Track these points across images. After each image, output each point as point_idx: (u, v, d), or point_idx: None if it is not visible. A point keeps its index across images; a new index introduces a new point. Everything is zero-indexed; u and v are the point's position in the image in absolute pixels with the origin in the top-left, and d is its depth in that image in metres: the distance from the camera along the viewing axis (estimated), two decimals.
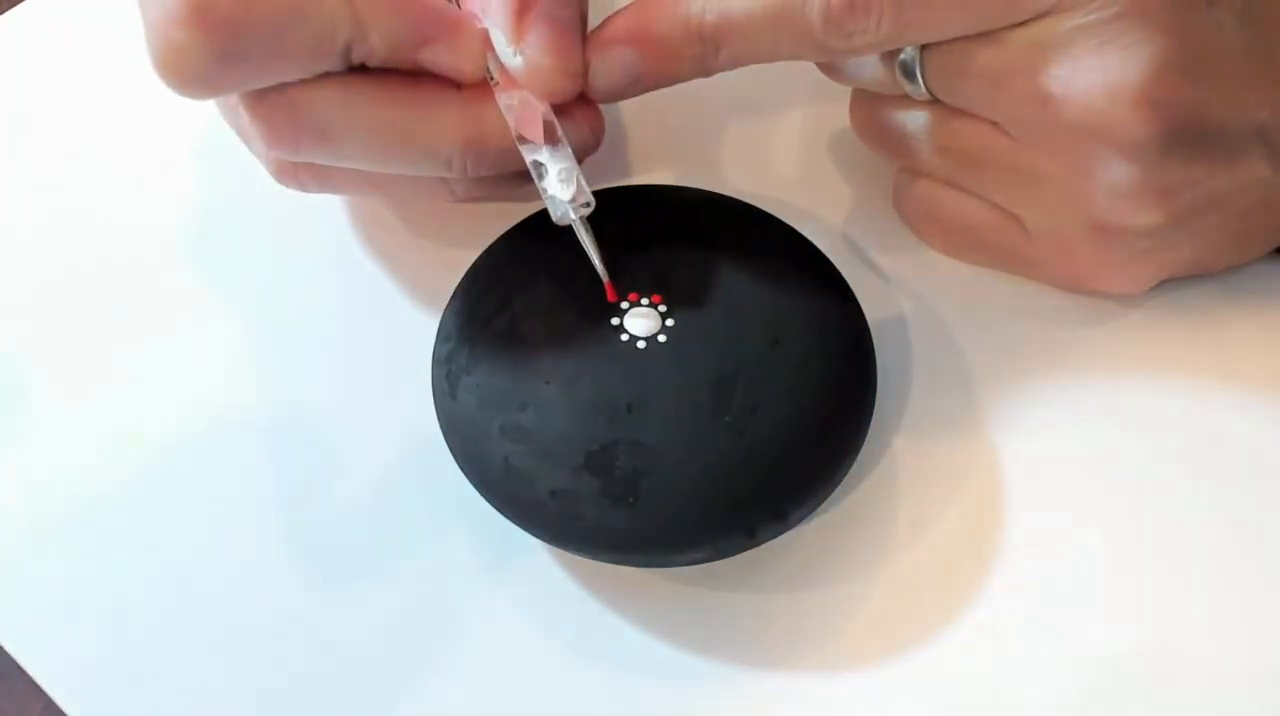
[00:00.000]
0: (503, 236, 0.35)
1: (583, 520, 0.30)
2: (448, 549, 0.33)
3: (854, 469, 0.32)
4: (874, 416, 0.33)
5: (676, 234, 0.34)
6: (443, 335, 0.33)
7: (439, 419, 0.32)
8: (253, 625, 0.32)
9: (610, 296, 0.32)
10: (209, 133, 0.40)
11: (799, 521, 0.31)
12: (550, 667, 0.32)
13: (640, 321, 0.32)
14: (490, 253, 0.34)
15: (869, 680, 0.31)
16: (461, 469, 0.32)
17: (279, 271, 0.38)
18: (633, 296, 0.33)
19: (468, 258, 0.34)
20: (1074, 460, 0.34)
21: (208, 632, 0.32)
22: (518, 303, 0.33)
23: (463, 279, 0.34)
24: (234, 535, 0.33)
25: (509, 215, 0.35)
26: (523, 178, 0.33)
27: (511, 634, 0.32)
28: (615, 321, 0.32)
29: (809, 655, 0.32)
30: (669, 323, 0.32)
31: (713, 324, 0.32)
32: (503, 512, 0.31)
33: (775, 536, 0.31)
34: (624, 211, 0.34)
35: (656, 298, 0.32)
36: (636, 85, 0.34)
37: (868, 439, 0.32)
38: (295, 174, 0.34)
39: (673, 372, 0.31)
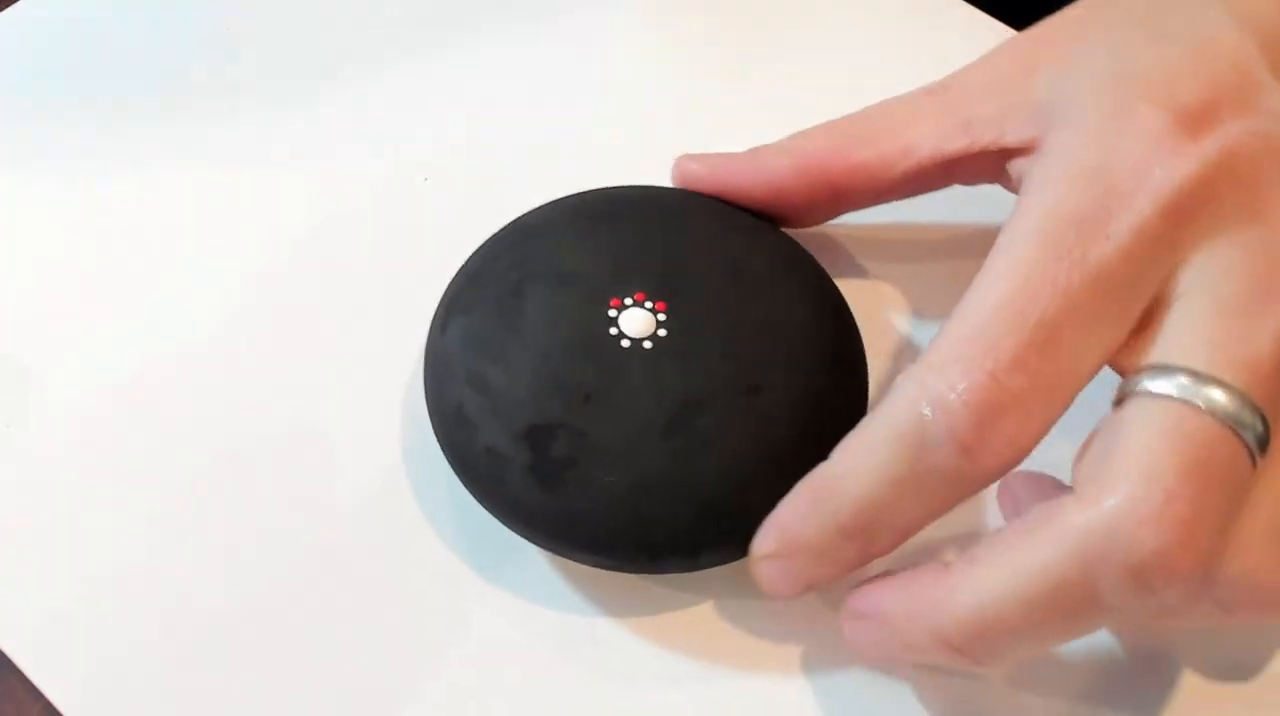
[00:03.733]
0: (538, 209, 0.35)
1: (505, 486, 0.31)
2: (441, 553, 0.33)
3: None
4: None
5: (677, 240, 0.34)
6: (457, 277, 0.34)
7: (425, 353, 0.33)
8: (250, 626, 0.32)
9: None
10: (210, 133, 0.40)
11: (708, 566, 0.31)
12: (544, 671, 0.32)
13: (635, 322, 0.32)
14: (523, 220, 0.35)
15: (865, 685, 0.31)
16: (426, 404, 0.32)
17: (277, 272, 0.38)
18: (639, 296, 0.32)
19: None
20: (1070, 464, 0.34)
21: (205, 634, 0.32)
22: (531, 265, 0.33)
23: (488, 240, 0.34)
24: (231, 537, 0.33)
25: (504, 218, 0.35)
26: None
27: (503, 637, 0.32)
28: (612, 313, 0.32)
29: (805, 660, 0.32)
30: (661, 333, 0.32)
31: (700, 345, 0.32)
32: (444, 454, 0.32)
33: (682, 571, 0.31)
34: (624, 215, 0.34)
35: (660, 305, 0.32)
36: None
37: None
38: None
39: (644, 381, 0.31)
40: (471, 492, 0.32)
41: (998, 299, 0.27)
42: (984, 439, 0.26)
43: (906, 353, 0.36)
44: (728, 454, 0.30)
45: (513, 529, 0.31)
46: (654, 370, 0.31)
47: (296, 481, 0.34)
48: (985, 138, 0.32)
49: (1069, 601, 0.26)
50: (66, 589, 0.33)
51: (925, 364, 0.27)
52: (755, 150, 0.35)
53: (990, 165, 0.32)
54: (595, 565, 0.31)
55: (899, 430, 0.27)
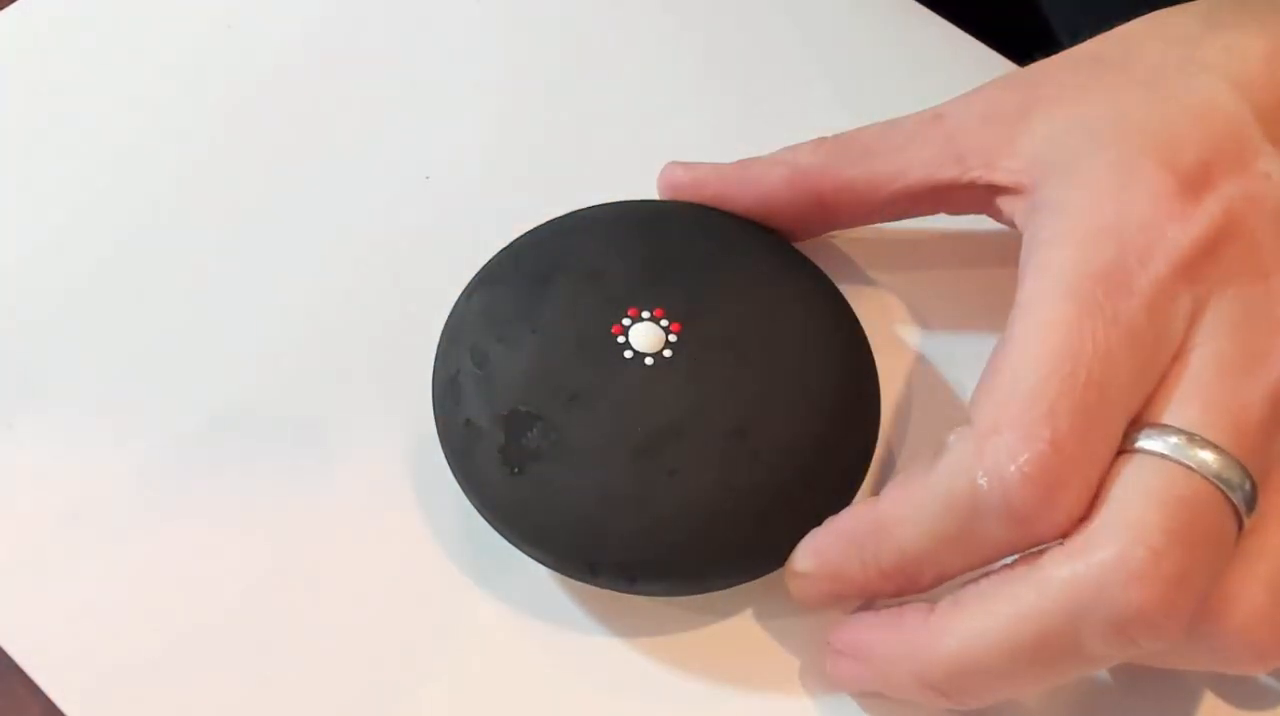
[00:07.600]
0: (600, 206, 0.35)
1: (473, 460, 0.31)
2: (439, 558, 0.33)
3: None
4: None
5: (715, 262, 0.33)
6: (502, 251, 0.34)
7: (449, 314, 0.33)
8: (249, 626, 0.32)
9: None
10: (209, 134, 0.40)
11: (645, 593, 0.31)
12: (537, 676, 0.32)
13: (645, 336, 0.32)
14: (582, 212, 0.35)
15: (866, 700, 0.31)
16: (433, 365, 0.33)
17: (278, 273, 0.38)
18: (659, 312, 0.32)
19: (468, 262, 0.34)
20: None
21: (204, 633, 0.32)
22: (568, 257, 0.33)
23: (544, 224, 0.34)
24: (231, 536, 0.33)
25: (503, 217, 0.35)
26: None
27: (499, 643, 0.32)
28: (626, 322, 0.32)
29: (798, 677, 0.32)
30: (666, 353, 0.32)
31: (700, 375, 0.31)
32: (435, 418, 0.32)
33: (619, 591, 0.31)
34: (671, 229, 0.34)
35: (676, 326, 0.32)
36: None
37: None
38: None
39: (633, 396, 0.31)
40: (445, 458, 0.32)
41: (1043, 357, 0.27)
42: (1040, 512, 0.27)
43: (916, 367, 0.36)
44: (689, 490, 0.30)
45: (472, 504, 0.31)
46: (647, 388, 0.31)
47: (297, 483, 0.34)
48: (975, 171, 0.32)
49: (1051, 649, 0.26)
50: (67, 589, 0.33)
51: (981, 427, 0.27)
52: (745, 162, 0.35)
53: (978, 198, 0.33)
54: (539, 561, 0.31)
55: (952, 494, 0.27)
